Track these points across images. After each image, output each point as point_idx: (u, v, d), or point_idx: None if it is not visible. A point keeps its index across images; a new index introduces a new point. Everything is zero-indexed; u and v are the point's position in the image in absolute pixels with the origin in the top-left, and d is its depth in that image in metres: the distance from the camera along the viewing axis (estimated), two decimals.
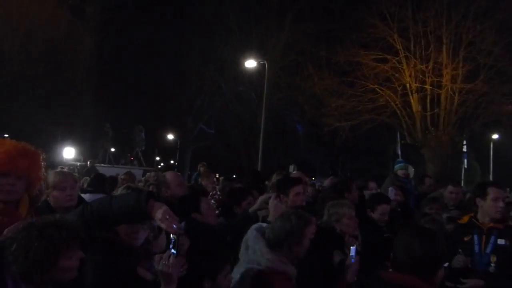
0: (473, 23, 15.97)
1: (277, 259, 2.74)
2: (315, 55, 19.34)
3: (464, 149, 21.92)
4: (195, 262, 2.42)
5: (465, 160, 24.26)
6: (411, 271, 2.00)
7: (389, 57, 17.37)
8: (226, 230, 3.73)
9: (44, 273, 1.77)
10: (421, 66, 16.89)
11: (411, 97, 17.34)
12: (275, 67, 22.23)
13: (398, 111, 17.53)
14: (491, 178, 25.64)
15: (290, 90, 22.90)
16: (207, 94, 27.77)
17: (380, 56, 17.41)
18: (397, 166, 7.59)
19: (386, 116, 17.87)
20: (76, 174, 6.01)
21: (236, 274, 2.74)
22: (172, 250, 2.08)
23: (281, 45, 24.33)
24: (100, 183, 5.71)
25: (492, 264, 3.18)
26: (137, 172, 17.48)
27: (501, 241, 3.22)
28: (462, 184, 14.87)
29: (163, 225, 2.06)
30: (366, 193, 5.49)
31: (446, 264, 2.98)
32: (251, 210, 3.81)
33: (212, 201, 5.41)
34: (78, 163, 19.22)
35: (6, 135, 15.11)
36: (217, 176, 11.02)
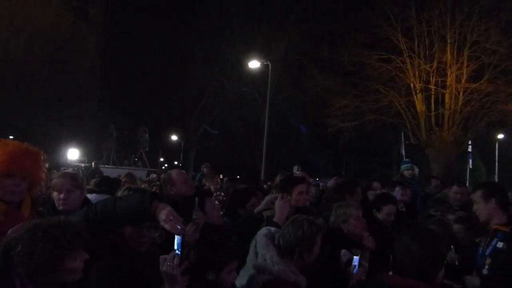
0: (477, 22, 15.89)
1: (288, 270, 2.73)
2: (318, 55, 19.32)
3: (469, 149, 21.81)
4: (201, 253, 2.44)
5: (470, 160, 24.16)
6: (412, 273, 1.97)
7: (393, 57, 17.31)
8: (231, 231, 3.71)
9: (49, 274, 1.77)
10: (425, 66, 16.82)
11: (415, 97, 17.28)
12: (278, 68, 22.22)
13: (402, 111, 17.47)
14: (496, 178, 25.54)
15: (293, 90, 22.91)
16: (210, 95, 27.82)
17: (384, 56, 17.36)
18: (403, 167, 7.58)
19: (390, 116, 17.81)
20: (81, 175, 6.01)
21: (242, 278, 2.72)
22: (177, 251, 2.07)
23: (285, 45, 24.36)
24: (107, 185, 5.74)
25: (486, 267, 3.16)
26: (141, 173, 17.55)
27: (499, 244, 3.18)
28: (467, 184, 14.80)
29: (167, 226, 2.05)
30: (370, 193, 5.45)
31: None
32: (256, 210, 3.79)
33: (216, 202, 5.39)
34: (83, 164, 19.29)
35: (11, 137, 15.17)
36: (221, 177, 11.02)
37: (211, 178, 7.19)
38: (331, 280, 3.11)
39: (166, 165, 31.50)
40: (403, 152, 23.98)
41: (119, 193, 4.14)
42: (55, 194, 2.94)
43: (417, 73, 17.16)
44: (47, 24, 20.82)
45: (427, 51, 16.94)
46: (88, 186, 4.98)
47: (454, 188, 5.59)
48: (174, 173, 3.93)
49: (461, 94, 16.56)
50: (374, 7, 17.04)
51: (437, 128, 16.98)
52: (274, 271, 2.72)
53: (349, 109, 17.69)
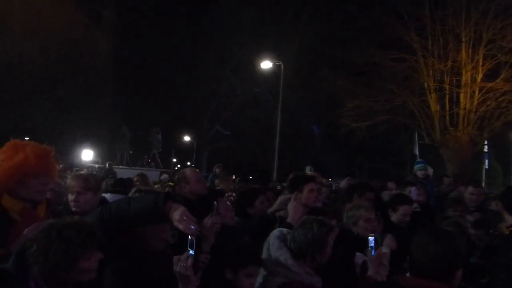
0: (493, 20, 15.63)
1: (303, 271, 2.72)
2: (330, 55, 19.22)
3: (485, 149, 21.46)
4: (219, 252, 2.45)
5: (486, 161, 23.79)
6: (429, 274, 1.94)
7: (406, 56, 17.14)
8: (244, 231, 3.71)
9: (64, 274, 1.78)
10: (440, 65, 16.61)
11: (429, 96, 17.07)
12: (290, 68, 22.17)
13: (416, 111, 17.27)
14: None
15: (305, 90, 22.82)
16: (223, 95, 27.89)
17: (397, 56, 17.19)
18: (416, 167, 7.57)
19: (404, 116, 17.63)
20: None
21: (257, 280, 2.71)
22: (190, 251, 2.06)
23: (297, 45, 24.28)
24: (121, 185, 5.85)
25: None
26: (155, 173, 17.68)
27: None
28: (483, 185, 14.58)
29: (180, 226, 2.05)
30: (385, 193, 5.40)
31: None
32: (269, 211, 3.79)
33: (228, 202, 5.39)
34: (97, 165, 19.47)
35: (26, 138, 15.39)
36: (234, 177, 11.03)
37: (225, 179, 7.20)
38: (343, 282, 3.07)
39: (179, 165, 31.65)
40: (417, 153, 23.72)
41: (130, 194, 4.19)
42: (69, 195, 2.99)
43: (431, 72, 16.95)
44: (61, 26, 21.12)
45: (441, 50, 16.71)
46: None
47: (470, 189, 5.50)
48: (188, 171, 3.96)
49: (476, 93, 16.30)
50: (386, 6, 16.89)
51: (451, 128, 16.74)
52: (289, 274, 2.71)
53: (361, 109, 17.54)
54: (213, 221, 2.50)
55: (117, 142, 23.86)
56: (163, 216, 2.09)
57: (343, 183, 7.76)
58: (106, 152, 24.85)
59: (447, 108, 16.79)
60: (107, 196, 3.79)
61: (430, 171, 7.80)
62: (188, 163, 32.99)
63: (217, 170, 10.73)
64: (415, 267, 2.01)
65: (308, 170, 16.04)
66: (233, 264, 2.44)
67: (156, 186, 8.43)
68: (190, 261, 2.05)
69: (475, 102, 16.32)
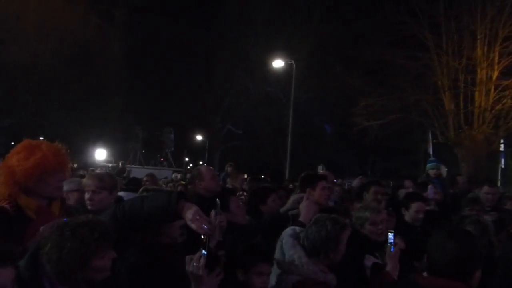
0: (509, 17, 15.36)
1: (317, 269, 2.71)
2: (342, 54, 19.10)
3: (501, 148, 21.11)
4: (231, 252, 2.44)
5: (502, 160, 23.40)
6: (447, 273, 1.91)
7: (419, 54, 16.94)
8: (256, 230, 3.70)
9: (77, 273, 1.79)
10: (454, 63, 16.38)
11: (443, 94, 16.83)
12: (302, 67, 22.10)
13: (430, 109, 17.07)
14: None
15: (318, 89, 22.72)
16: (234, 95, 27.92)
17: (410, 54, 17.00)
18: (428, 166, 7.51)
19: (417, 114, 17.43)
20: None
21: (271, 278, 2.70)
22: (203, 251, 2.05)
23: (309, 44, 24.17)
24: (134, 184, 5.95)
25: None
26: (167, 173, 17.81)
27: None
28: (499, 185, 14.35)
29: (193, 226, 2.05)
30: (402, 191, 5.34)
31: None
32: (282, 210, 3.79)
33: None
34: (110, 164, 19.67)
35: (41, 138, 15.61)
36: (245, 176, 11.03)
37: (236, 178, 7.20)
38: (353, 283, 3.04)
39: (191, 164, 31.81)
40: (431, 151, 23.46)
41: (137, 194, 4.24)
42: (85, 194, 3.06)
43: (445, 70, 16.71)
44: (74, 27, 21.35)
45: (455, 47, 16.48)
46: None
47: (485, 188, 5.44)
48: (203, 168, 4.03)
49: (491, 91, 16.04)
50: (399, 4, 16.70)
51: (466, 127, 16.48)
52: (303, 272, 2.70)
53: (374, 107, 17.39)
54: (219, 220, 2.50)
55: (130, 142, 24.09)
56: (176, 215, 2.09)
57: (355, 182, 7.71)
58: (119, 152, 25.11)
59: (462, 107, 16.54)
60: (122, 194, 3.84)
61: (443, 170, 7.70)
62: (200, 162, 33.13)
63: (229, 169, 10.75)
64: (433, 266, 1.98)
65: (321, 169, 15.99)
66: (243, 264, 2.43)
67: (168, 184, 8.48)
68: (202, 261, 2.04)
69: (491, 100, 16.04)
